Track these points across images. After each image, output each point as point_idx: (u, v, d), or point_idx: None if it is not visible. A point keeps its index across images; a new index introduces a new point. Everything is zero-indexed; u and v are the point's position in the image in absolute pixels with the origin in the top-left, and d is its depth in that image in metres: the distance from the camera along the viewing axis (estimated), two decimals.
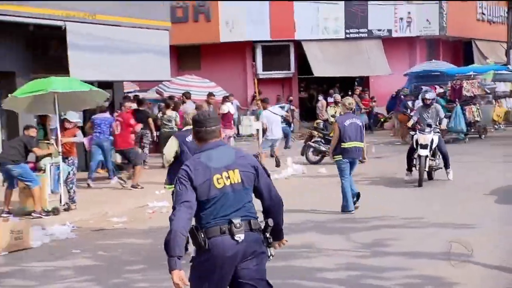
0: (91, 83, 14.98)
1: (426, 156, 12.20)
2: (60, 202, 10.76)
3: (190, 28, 24.84)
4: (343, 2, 25.86)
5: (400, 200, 11.11)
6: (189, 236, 4.07)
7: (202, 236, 4.02)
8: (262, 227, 4.19)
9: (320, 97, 24.61)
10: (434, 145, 12.34)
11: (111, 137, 13.75)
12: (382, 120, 25.35)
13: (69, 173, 11.05)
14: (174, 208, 4.10)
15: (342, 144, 9.98)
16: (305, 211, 10.40)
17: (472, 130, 20.66)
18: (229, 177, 4.09)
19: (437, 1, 26.87)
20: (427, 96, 12.85)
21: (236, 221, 4.03)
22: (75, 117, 11.24)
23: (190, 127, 7.27)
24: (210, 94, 17.57)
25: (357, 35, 26.39)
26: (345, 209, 10.06)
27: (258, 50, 25.94)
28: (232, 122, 16.79)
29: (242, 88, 25.36)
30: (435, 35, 27.47)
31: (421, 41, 27.99)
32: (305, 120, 25.95)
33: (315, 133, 17.06)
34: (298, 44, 25.91)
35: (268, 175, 4.32)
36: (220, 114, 15.75)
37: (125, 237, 9.27)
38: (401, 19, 26.70)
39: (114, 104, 16.57)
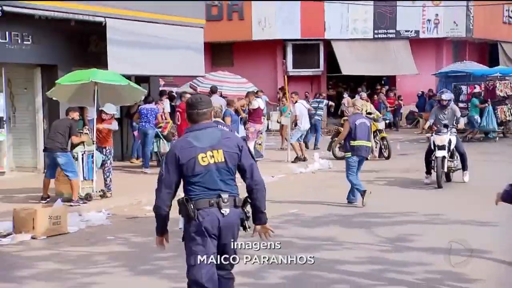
0: (129, 77, 15.10)
1: (444, 157, 11.66)
2: (93, 189, 10.80)
3: (224, 26, 24.85)
4: (372, 3, 25.63)
5: (422, 198, 10.98)
6: (179, 206, 4.49)
7: (192, 207, 4.41)
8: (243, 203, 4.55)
9: (345, 95, 24.43)
10: (452, 146, 11.86)
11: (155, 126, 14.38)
12: (417, 118, 25.08)
13: (106, 162, 11.10)
14: (159, 181, 4.55)
15: (351, 142, 10.16)
16: (329, 204, 10.34)
17: (503, 129, 20.51)
18: (213, 156, 4.43)
19: (465, 5, 26.46)
20: (443, 97, 12.27)
21: (225, 196, 4.41)
22: (112, 109, 11.28)
23: (217, 119, 8.27)
24: (254, 92, 17.31)
25: (385, 36, 26.14)
26: (351, 200, 10.34)
27: (289, 48, 25.85)
28: (262, 117, 16.74)
29: (273, 84, 25.28)
30: (461, 37, 27.08)
31: (448, 42, 27.62)
32: (332, 117, 25.83)
33: (342, 129, 16.92)
34: (327, 43, 25.77)
35: (253, 158, 4.63)
36: (251, 109, 15.72)
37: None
38: (429, 20, 26.37)
39: (149, 97, 16.62)
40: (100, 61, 13.80)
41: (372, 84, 26.97)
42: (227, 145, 4.48)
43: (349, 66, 25.32)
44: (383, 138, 16.32)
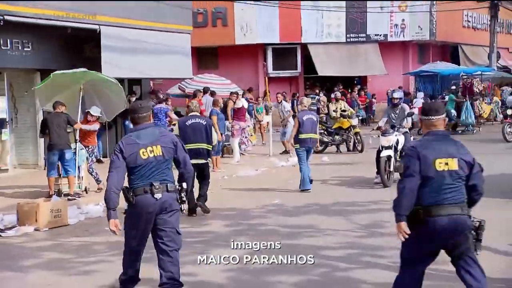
0: (122, 80, 15.00)
1: (389, 157, 10.80)
2: (80, 186, 10.65)
3: (209, 32, 24.78)
4: (345, 10, 25.68)
5: (393, 188, 10.96)
6: (123, 193, 4.89)
7: (131, 194, 4.91)
8: (179, 189, 5.02)
9: (321, 94, 24.46)
10: (399, 146, 10.91)
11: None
12: None
13: (87, 159, 10.96)
14: (109, 171, 4.95)
15: (299, 135, 10.54)
16: (310, 195, 10.34)
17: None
18: (152, 151, 4.94)
19: (428, 10, 26.63)
20: (395, 95, 11.53)
21: (156, 183, 4.89)
22: (97, 111, 11.08)
23: (194, 113, 9.14)
24: (234, 93, 17.37)
25: (356, 39, 26.22)
26: (304, 188, 10.57)
27: (269, 51, 25.83)
28: (245, 114, 16.79)
29: (255, 85, 25.24)
30: (425, 40, 27.24)
31: (413, 45, 27.76)
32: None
33: (319, 126, 16.97)
34: (304, 47, 25.78)
35: (185, 151, 5.16)
36: (236, 108, 15.69)
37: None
38: (396, 25, 26.48)
39: (141, 98, 16.54)
40: (95, 65, 13.65)
41: (346, 84, 27.00)
42: (164, 142, 5.01)
43: (324, 67, 25.36)
44: (356, 133, 16.38)
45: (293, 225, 8.10)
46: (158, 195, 4.89)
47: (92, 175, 10.97)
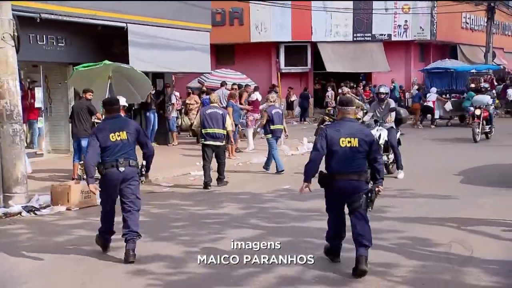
0: (147, 73, 15.03)
1: None
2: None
3: (226, 30, 24.67)
4: (352, 11, 25.48)
5: (395, 175, 10.90)
6: (96, 167, 5.91)
7: (102, 167, 5.90)
8: (140, 165, 6.04)
9: (329, 89, 24.34)
10: (381, 141, 10.21)
11: None
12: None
13: None
14: (87, 150, 6.02)
15: (271, 126, 11.36)
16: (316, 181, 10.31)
17: None
18: (120, 135, 5.92)
19: (429, 12, 26.38)
20: (381, 90, 10.64)
21: (121, 160, 5.88)
22: (123, 101, 11.04)
23: (213, 104, 10.51)
24: (247, 86, 17.46)
25: (362, 39, 26.01)
26: (280, 169, 11.39)
27: (281, 49, 25.73)
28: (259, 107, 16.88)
29: (268, 80, 25.17)
30: (426, 40, 26.96)
31: (415, 44, 27.48)
32: (318, 107, 25.83)
33: (327, 118, 16.91)
34: (314, 45, 25.64)
35: (147, 136, 6.33)
36: (250, 101, 15.70)
37: (171, 199, 9.30)
38: (399, 26, 26.23)
39: (165, 90, 16.58)
40: (123, 60, 13.68)
41: (352, 80, 26.80)
42: (129, 128, 6.02)
43: (332, 64, 25.21)
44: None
45: (302, 208, 8.09)
46: (121, 169, 5.89)
47: None
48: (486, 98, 16.26)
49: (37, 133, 13.46)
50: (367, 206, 5.42)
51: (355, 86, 25.17)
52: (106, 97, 10.64)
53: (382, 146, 10.44)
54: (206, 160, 10.19)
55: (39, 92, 13.45)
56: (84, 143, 10.22)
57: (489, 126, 16.16)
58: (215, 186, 10.15)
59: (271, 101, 11.81)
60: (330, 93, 23.32)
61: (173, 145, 15.99)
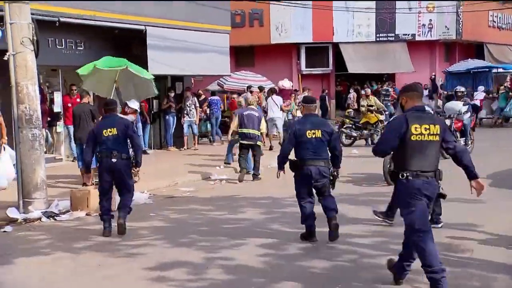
0: (166, 76, 15.11)
1: None
2: None
3: (246, 31, 24.73)
4: (375, 10, 25.35)
5: None
6: (95, 156, 7.47)
7: (99, 156, 7.34)
8: (132, 157, 7.36)
9: (351, 90, 24.24)
10: None
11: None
12: None
13: None
14: (87, 143, 7.54)
15: (239, 130, 11.56)
16: (339, 186, 10.27)
17: None
18: (111, 131, 7.28)
19: (455, 11, 26.10)
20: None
21: (114, 152, 7.23)
22: (135, 105, 11.10)
23: (251, 106, 11.75)
24: (262, 88, 17.76)
25: (385, 39, 25.86)
26: (227, 161, 12.73)
27: (302, 50, 25.71)
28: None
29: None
30: (452, 39, 26.70)
31: (440, 44, 27.24)
32: (341, 109, 25.71)
33: (347, 120, 16.83)
34: (335, 46, 25.56)
35: (135, 132, 7.69)
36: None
37: (191, 204, 9.34)
38: (424, 25, 26.01)
39: (183, 93, 16.67)
40: (141, 62, 13.80)
41: (375, 81, 26.68)
42: (120, 125, 7.33)
43: (354, 65, 25.09)
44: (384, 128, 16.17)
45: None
46: (114, 160, 7.23)
47: None
48: (458, 106, 13.34)
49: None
50: (331, 186, 6.74)
51: (373, 86, 25.01)
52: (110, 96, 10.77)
53: None
54: (242, 157, 11.46)
55: (58, 97, 13.62)
56: None
57: (464, 139, 13.19)
58: (247, 182, 10.88)
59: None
60: (351, 95, 23.23)
61: (194, 149, 16.05)
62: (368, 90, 18.24)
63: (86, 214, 8.61)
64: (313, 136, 6.56)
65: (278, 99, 16.68)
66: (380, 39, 25.80)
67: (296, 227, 7.38)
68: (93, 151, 7.43)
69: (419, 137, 4.74)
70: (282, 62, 25.60)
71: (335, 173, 6.62)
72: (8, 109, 9.72)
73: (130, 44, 14.60)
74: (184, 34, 15.11)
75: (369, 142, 16.47)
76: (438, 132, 4.79)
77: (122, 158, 7.26)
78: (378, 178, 10.63)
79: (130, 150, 7.48)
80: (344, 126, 16.69)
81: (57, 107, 13.64)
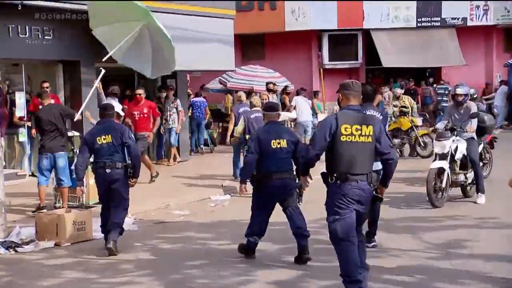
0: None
1: (441, 169, 9.98)
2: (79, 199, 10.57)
3: (254, 16, 24.77)
4: None
5: (472, 199, 10.72)
6: (91, 167, 8.53)
7: (94, 167, 8.26)
8: (129, 167, 8.14)
9: (386, 89, 24.21)
10: (459, 155, 10.19)
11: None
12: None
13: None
14: (79, 152, 8.36)
15: (248, 136, 11.63)
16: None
17: None
18: (105, 139, 8.05)
19: None
20: (458, 91, 10.34)
21: (107, 162, 8.02)
22: (118, 108, 10.96)
23: (256, 108, 12.35)
24: (273, 84, 17.77)
25: (429, 24, 25.79)
26: (235, 174, 12.88)
27: (324, 39, 25.69)
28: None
29: (307, 78, 25.15)
30: None
31: (498, 30, 27.12)
32: None
33: None
34: (366, 33, 25.54)
35: (132, 139, 8.27)
36: None
37: (186, 231, 9.32)
38: (477, 7, 25.92)
39: (177, 93, 16.70)
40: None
41: (416, 77, 26.63)
42: (115, 132, 8.09)
43: (390, 57, 25.05)
44: (423, 135, 16.07)
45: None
46: (108, 170, 8.01)
47: None
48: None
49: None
50: (298, 200, 7.36)
51: (396, 85, 24.96)
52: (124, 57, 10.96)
53: (459, 161, 10.34)
54: None
55: (21, 97, 13.69)
56: (61, 161, 10.21)
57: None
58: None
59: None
60: (386, 94, 23.18)
61: (167, 164, 15.89)
62: (398, 90, 18.15)
63: (55, 245, 8.60)
64: (278, 146, 7.27)
65: (306, 100, 17.34)
66: (423, 24, 25.76)
67: (317, 260, 7.34)
68: (86, 161, 8.27)
69: (349, 138, 5.61)
70: (299, 54, 25.61)
71: (300, 185, 6.92)
72: None
73: None
74: (178, 20, 15.11)
75: (403, 153, 16.38)
76: (371, 134, 5.65)
77: (117, 167, 8.02)
78: (421, 199, 10.56)
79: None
80: None
81: (20, 111, 13.70)
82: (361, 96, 5.99)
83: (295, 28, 25.02)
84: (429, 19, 25.72)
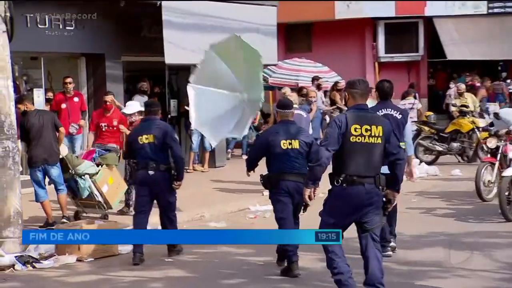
0: (188, 67, 15.23)
1: None
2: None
3: (300, 3, 24.74)
4: None
5: None
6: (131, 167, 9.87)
7: (136, 168, 8.89)
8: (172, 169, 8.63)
9: (452, 85, 23.93)
10: None
11: None
12: None
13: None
14: (126, 153, 9.51)
15: None
16: (434, 220, 10.12)
17: None
18: (148, 138, 8.52)
19: None
20: None
21: (150, 163, 8.47)
22: (131, 109, 11.09)
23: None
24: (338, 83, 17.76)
25: (502, 10, 25.42)
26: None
27: (380, 28, 25.56)
28: None
29: (360, 73, 24.98)
30: None
31: None
32: (434, 111, 25.32)
33: (426, 128, 16.57)
34: (428, 22, 25.33)
35: (176, 140, 8.76)
36: None
37: (223, 245, 9.31)
38: None
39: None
40: (154, 48, 13.97)
41: (486, 71, 26.29)
42: (157, 132, 8.54)
43: (456, 49, 24.77)
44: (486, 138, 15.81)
45: (411, 261, 8.01)
46: (151, 172, 8.46)
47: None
48: None
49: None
50: (304, 210, 7.56)
51: (461, 79, 24.64)
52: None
53: None
54: None
55: (39, 95, 13.87)
56: (54, 171, 10.24)
57: None
58: None
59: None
60: (452, 90, 22.93)
61: (202, 170, 15.93)
62: (463, 86, 17.90)
63: (77, 260, 8.69)
64: (290, 147, 7.61)
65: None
66: (494, 10, 25.44)
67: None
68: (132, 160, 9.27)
69: (358, 139, 6.01)
70: (351, 46, 25.50)
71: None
72: None
73: (140, 23, 14.76)
74: (214, 8, 15.20)
75: (467, 158, 16.14)
76: (380, 134, 6.05)
77: (160, 169, 8.48)
78: (492, 211, 10.42)
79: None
80: (421, 136, 16.45)
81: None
82: (377, 94, 6.76)
83: (347, 16, 24.95)
84: (503, 4, 25.34)
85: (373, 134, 6.03)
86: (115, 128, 11.43)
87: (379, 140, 6.05)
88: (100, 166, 10.65)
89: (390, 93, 8.27)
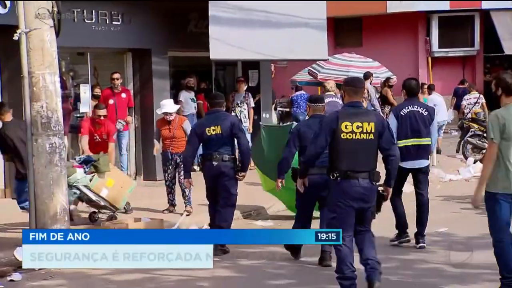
0: (234, 62, 15.28)
1: None
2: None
3: None
4: None
5: None
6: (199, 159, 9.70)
7: (202, 160, 9.14)
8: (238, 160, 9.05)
9: None
10: None
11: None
12: None
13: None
14: (189, 142, 9.41)
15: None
16: (479, 224, 9.99)
17: None
18: (215, 130, 8.82)
19: None
20: None
21: (214, 155, 8.82)
22: (175, 107, 11.30)
23: (329, 93, 12.77)
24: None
25: None
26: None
27: (434, 22, 25.35)
28: None
29: (412, 68, 24.84)
30: None
31: None
32: (491, 109, 24.95)
33: (475, 125, 16.34)
34: (485, 15, 25.01)
35: (243, 131, 9.25)
36: None
37: (271, 245, 9.28)
38: None
39: (260, 86, 16.77)
40: (201, 43, 14.02)
41: None
42: (224, 123, 8.86)
43: None
44: None
45: (465, 263, 7.93)
46: (214, 163, 8.81)
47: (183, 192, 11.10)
48: None
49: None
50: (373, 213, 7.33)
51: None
52: None
53: None
54: None
55: (86, 91, 14.03)
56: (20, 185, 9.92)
57: None
58: None
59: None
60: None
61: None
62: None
63: None
64: None
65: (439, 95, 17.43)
66: None
67: (424, 283, 7.22)
68: (195, 152, 9.26)
69: (349, 136, 6.35)
70: (404, 40, 25.35)
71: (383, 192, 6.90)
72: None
73: (187, 18, 14.83)
74: (262, 2, 15.17)
75: None
76: (373, 131, 6.37)
77: (223, 160, 8.83)
78: None
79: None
80: (470, 134, 16.22)
81: (85, 106, 14.04)
82: (404, 92, 7.52)
83: (399, 9, 24.82)
84: None
85: (364, 131, 6.36)
86: (104, 137, 11.51)
87: (371, 136, 6.37)
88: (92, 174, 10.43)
89: (417, 91, 9.01)
